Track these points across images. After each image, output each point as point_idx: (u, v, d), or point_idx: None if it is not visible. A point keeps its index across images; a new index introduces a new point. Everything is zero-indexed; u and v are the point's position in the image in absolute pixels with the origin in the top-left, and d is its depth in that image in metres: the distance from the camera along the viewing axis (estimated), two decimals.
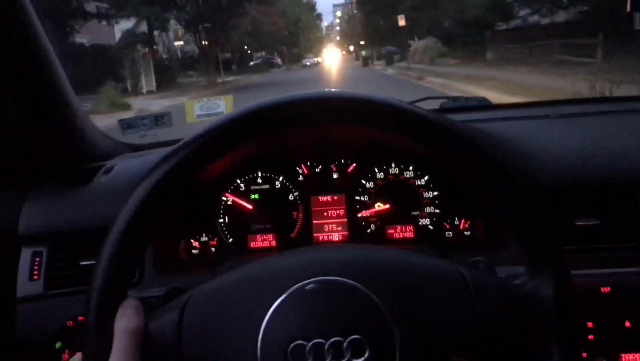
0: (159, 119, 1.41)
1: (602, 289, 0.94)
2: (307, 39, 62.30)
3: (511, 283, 0.64)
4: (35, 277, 1.04)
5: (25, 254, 1.06)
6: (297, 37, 49.87)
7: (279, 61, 42.04)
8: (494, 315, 0.59)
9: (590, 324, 0.94)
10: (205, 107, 1.43)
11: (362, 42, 51.46)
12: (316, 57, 58.51)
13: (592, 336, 0.94)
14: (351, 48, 63.67)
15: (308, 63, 46.72)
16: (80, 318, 0.99)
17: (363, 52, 45.07)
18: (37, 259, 1.05)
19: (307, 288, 0.59)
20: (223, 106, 1.44)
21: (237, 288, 0.62)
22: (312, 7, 68.43)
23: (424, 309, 0.59)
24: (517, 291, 0.62)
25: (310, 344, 0.55)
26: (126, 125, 1.39)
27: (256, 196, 1.21)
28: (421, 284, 0.61)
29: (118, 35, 23.08)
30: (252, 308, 0.58)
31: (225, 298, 0.61)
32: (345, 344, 0.55)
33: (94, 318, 0.59)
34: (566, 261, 0.61)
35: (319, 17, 73.28)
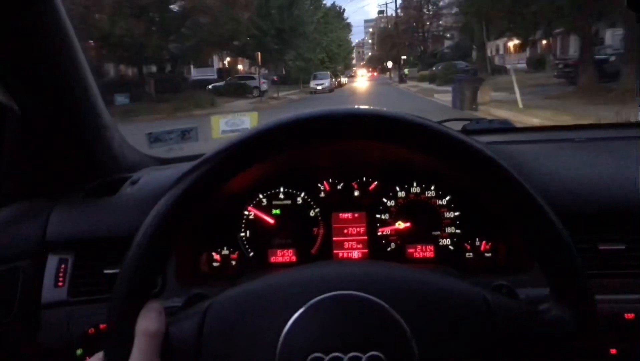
0: (185, 133, 1.45)
1: (626, 315, 0.92)
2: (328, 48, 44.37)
3: (534, 309, 0.63)
4: (60, 284, 1.06)
5: (52, 260, 1.09)
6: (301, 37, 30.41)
7: (261, 82, 24.25)
8: (516, 340, 0.59)
9: (613, 351, 0.92)
10: (230, 123, 1.46)
11: (403, 57, 44.73)
12: (339, 76, 40.39)
13: None
14: (389, 64, 50.57)
15: (319, 87, 27.38)
16: (102, 325, 1.01)
17: (406, 71, 38.56)
18: (63, 266, 1.08)
19: (328, 301, 0.59)
20: (248, 122, 1.47)
21: (258, 297, 0.62)
22: (338, 13, 50.84)
23: (445, 330, 0.59)
24: (539, 318, 0.61)
25: (328, 357, 0.55)
26: (153, 138, 1.42)
27: (278, 211, 1.22)
28: (443, 305, 0.60)
29: None
30: (272, 317, 0.59)
31: (247, 306, 0.61)
32: (363, 360, 0.55)
33: (116, 325, 0.60)
34: (591, 289, 0.61)
35: (347, 26, 56.27)
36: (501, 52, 36.50)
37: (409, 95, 22.34)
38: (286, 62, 34.18)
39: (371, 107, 0.65)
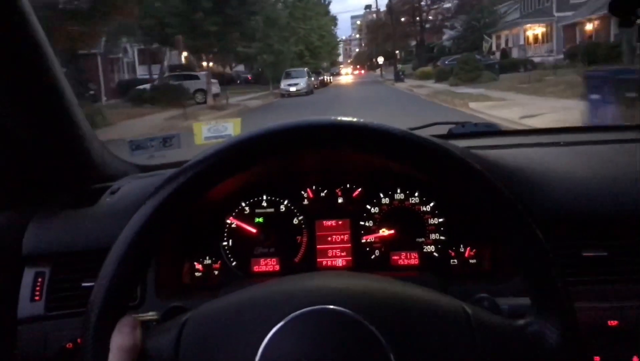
0: (167, 140, 1.43)
1: (609, 322, 0.92)
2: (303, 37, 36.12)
3: (516, 324, 0.62)
4: (37, 298, 1.04)
5: (28, 274, 1.06)
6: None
7: (209, 83, 19.01)
8: (497, 355, 0.58)
9: (597, 358, 0.91)
10: (213, 130, 1.45)
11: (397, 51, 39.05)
12: (322, 74, 34.80)
13: None
14: (379, 60, 44.28)
15: (293, 88, 21.96)
16: (80, 340, 0.99)
17: (401, 67, 33.56)
18: (40, 279, 1.06)
19: (307, 316, 0.58)
20: (231, 129, 1.46)
21: (237, 311, 0.61)
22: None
23: (425, 345, 0.58)
24: (521, 332, 0.60)
25: None
26: (135, 146, 1.41)
27: (261, 219, 1.20)
28: (423, 319, 0.60)
29: None
30: (250, 331, 0.58)
31: (225, 320, 0.61)
32: None
33: (92, 338, 0.59)
34: (573, 305, 0.60)
35: (333, 20, 49.91)
36: (521, 42, 32.36)
37: (422, 102, 15.80)
38: (249, 56, 24.93)
39: (351, 118, 0.64)
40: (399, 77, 28.97)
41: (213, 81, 20.03)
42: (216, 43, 19.01)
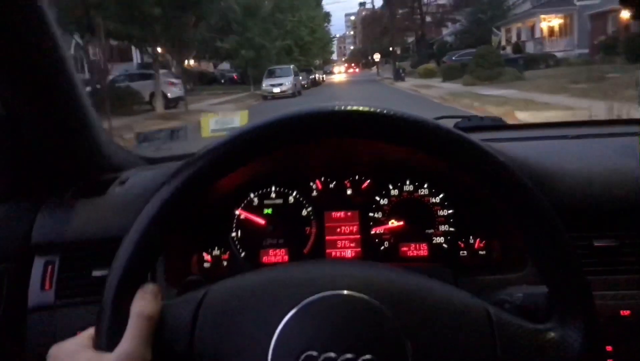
0: (174, 132, 1.43)
1: (621, 312, 0.92)
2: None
3: (538, 327, 0.61)
4: (47, 287, 1.04)
5: (38, 263, 1.06)
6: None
7: (169, 84, 15.81)
8: (517, 358, 0.58)
9: (609, 348, 0.92)
10: (220, 122, 1.45)
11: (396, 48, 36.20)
12: (313, 72, 31.33)
13: (611, 360, 0.91)
14: (376, 57, 41.36)
15: (276, 89, 19.47)
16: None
17: (398, 64, 30.86)
18: (49, 268, 1.06)
19: (326, 300, 0.58)
20: (237, 121, 1.46)
21: (255, 290, 0.62)
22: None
23: (443, 340, 0.58)
24: (543, 336, 0.60)
25: (322, 357, 0.55)
26: (142, 138, 1.40)
27: (269, 210, 1.20)
28: (443, 314, 0.60)
29: None
30: (268, 312, 0.58)
31: (243, 298, 0.61)
32: None
33: (106, 331, 0.59)
34: (595, 307, 0.60)
35: (326, 16, 46.32)
36: (537, 35, 29.44)
37: (438, 107, 13.10)
38: (230, 52, 21.24)
39: (365, 106, 0.63)
40: (399, 76, 26.14)
41: (174, 80, 15.89)
42: (162, 31, 14.22)
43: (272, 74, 20.11)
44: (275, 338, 0.56)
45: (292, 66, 22.36)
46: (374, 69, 44.30)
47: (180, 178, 0.61)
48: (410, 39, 45.68)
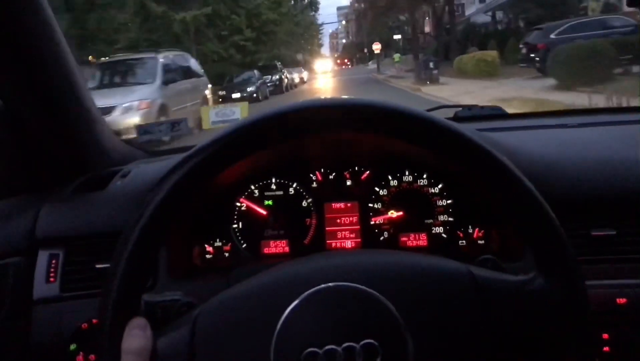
0: (175, 125, 1.44)
1: (618, 300, 0.93)
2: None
3: (519, 279, 0.64)
4: (52, 279, 1.06)
5: (42, 256, 1.08)
6: None
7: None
8: (502, 311, 0.60)
9: (606, 335, 0.93)
10: (220, 114, 1.46)
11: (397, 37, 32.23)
12: (282, 70, 20.88)
13: (607, 348, 0.92)
14: (375, 48, 30.36)
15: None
16: (94, 320, 1.00)
17: (396, 57, 26.19)
18: (54, 261, 1.07)
19: (318, 294, 0.59)
20: (238, 113, 1.46)
21: (248, 298, 0.62)
22: None
23: (435, 311, 0.59)
24: (525, 287, 0.62)
25: (323, 351, 0.55)
26: (143, 131, 1.41)
27: (270, 202, 1.21)
28: (431, 285, 0.61)
29: None
30: (264, 317, 0.59)
31: (237, 309, 0.61)
32: (357, 349, 0.55)
33: (109, 322, 0.60)
34: (576, 259, 0.62)
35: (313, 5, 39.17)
36: None
37: None
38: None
39: (362, 98, 0.64)
40: (428, 72, 14.99)
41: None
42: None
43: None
44: (275, 341, 0.57)
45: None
46: (371, 64, 36.28)
47: (179, 173, 0.62)
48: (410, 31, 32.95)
